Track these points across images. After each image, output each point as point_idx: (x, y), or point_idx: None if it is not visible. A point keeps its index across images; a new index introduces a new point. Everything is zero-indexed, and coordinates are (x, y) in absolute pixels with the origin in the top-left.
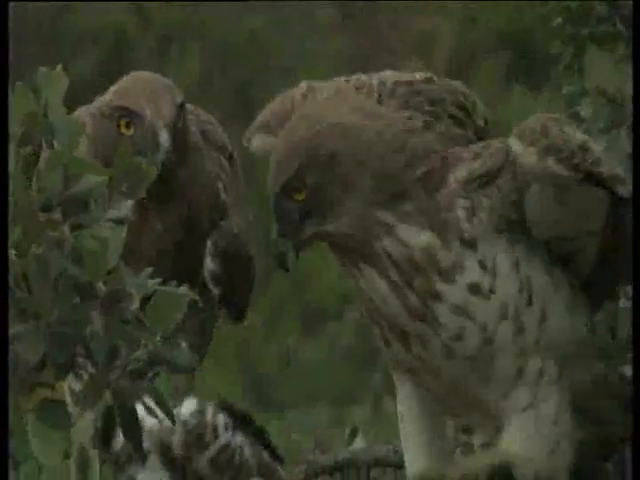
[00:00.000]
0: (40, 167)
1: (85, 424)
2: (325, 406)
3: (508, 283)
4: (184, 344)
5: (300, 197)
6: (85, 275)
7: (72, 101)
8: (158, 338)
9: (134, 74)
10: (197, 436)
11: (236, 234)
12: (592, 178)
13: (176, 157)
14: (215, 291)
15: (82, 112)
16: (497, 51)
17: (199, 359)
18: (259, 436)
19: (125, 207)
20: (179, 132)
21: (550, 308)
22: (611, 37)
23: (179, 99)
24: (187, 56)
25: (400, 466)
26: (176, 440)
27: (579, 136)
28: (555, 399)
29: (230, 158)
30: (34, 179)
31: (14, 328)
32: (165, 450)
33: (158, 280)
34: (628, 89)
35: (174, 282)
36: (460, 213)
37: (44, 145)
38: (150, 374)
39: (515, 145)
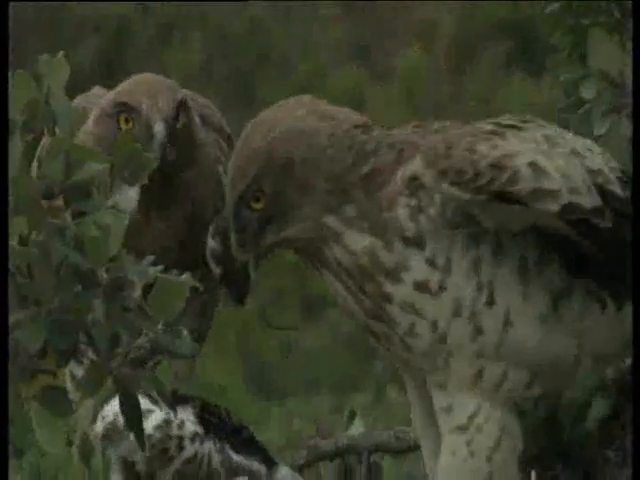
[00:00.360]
0: (41, 154)
1: (87, 411)
2: (326, 393)
3: (463, 281)
4: (185, 332)
5: (258, 206)
6: (87, 262)
7: (72, 89)
8: (160, 326)
9: (137, 76)
10: (161, 451)
11: None
12: (505, 197)
13: (176, 154)
14: (217, 270)
15: (81, 100)
16: (497, 39)
17: (199, 344)
18: (238, 433)
19: (131, 200)
20: (182, 131)
21: (517, 314)
22: (611, 26)
23: (179, 96)
24: (188, 45)
25: (400, 451)
26: (139, 456)
27: (498, 152)
28: (496, 428)
29: (228, 139)
30: (36, 166)
31: (15, 315)
32: (129, 467)
33: (160, 268)
34: (629, 73)
35: (175, 270)
36: (401, 212)
37: (46, 132)
38: (152, 362)
39: (416, 165)
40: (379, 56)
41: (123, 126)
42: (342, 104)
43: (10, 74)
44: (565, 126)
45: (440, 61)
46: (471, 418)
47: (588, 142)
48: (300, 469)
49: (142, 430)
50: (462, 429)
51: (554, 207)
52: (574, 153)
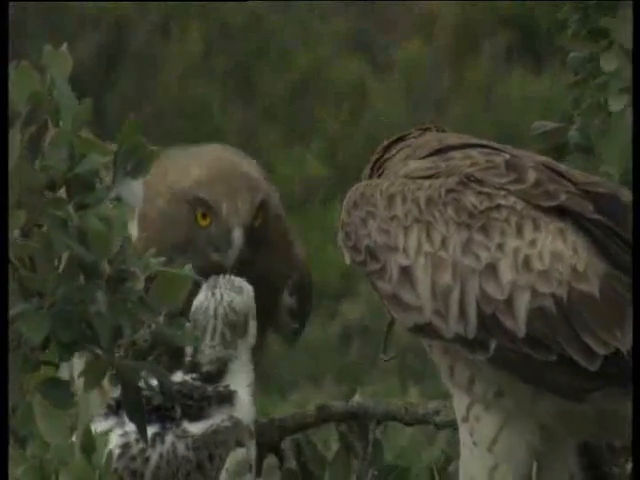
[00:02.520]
0: (45, 146)
1: (88, 403)
2: (331, 385)
3: None
4: (188, 323)
5: None
6: (90, 255)
7: (72, 83)
8: (162, 318)
9: (216, 160)
10: (131, 473)
11: (303, 262)
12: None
13: (251, 253)
14: (293, 325)
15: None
16: (498, 32)
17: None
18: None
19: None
20: (259, 229)
21: None
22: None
23: (259, 198)
24: (188, 37)
25: (409, 424)
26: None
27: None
28: (494, 419)
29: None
30: (39, 158)
31: (18, 307)
32: None
33: (162, 259)
34: None
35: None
36: None
37: (49, 124)
38: (154, 353)
39: None
40: (379, 48)
41: (200, 221)
42: (343, 96)
43: (11, 67)
44: (576, 103)
45: (440, 53)
46: (468, 409)
47: None
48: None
49: (144, 421)
50: (464, 420)
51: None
52: None
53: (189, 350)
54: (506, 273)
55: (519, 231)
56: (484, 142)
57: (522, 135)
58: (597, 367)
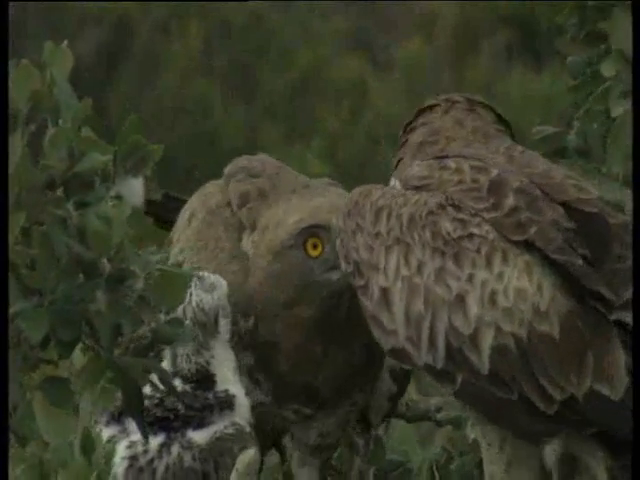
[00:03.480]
0: (44, 145)
1: (88, 403)
2: None
3: None
4: (188, 321)
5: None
6: (89, 253)
7: (72, 82)
8: (162, 316)
9: (318, 198)
10: None
11: None
12: None
13: None
14: (393, 388)
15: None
16: (498, 31)
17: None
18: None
19: (137, 193)
20: None
21: None
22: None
23: None
24: (189, 36)
25: (410, 421)
26: None
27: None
28: None
29: None
30: (39, 157)
31: (17, 305)
32: None
33: (164, 254)
34: None
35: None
36: None
37: (49, 123)
38: (154, 351)
39: None
40: (380, 48)
41: (312, 252)
42: (343, 95)
43: (11, 65)
44: (576, 107)
45: (440, 52)
46: None
47: None
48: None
49: (143, 419)
50: (476, 422)
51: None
52: None
53: (167, 359)
54: (473, 306)
55: (488, 263)
56: (496, 139)
57: (522, 134)
58: (554, 411)
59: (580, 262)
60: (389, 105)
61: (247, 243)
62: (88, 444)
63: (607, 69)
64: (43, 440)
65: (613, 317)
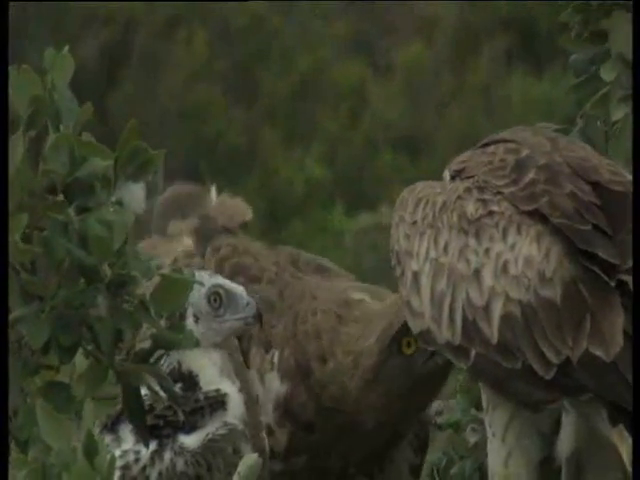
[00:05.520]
0: (45, 150)
1: (91, 407)
2: None
3: None
4: (189, 326)
5: None
6: (90, 259)
7: (74, 84)
8: (163, 322)
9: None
10: None
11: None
12: None
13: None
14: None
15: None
16: (498, 34)
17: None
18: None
19: (138, 198)
20: None
21: None
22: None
23: None
24: (193, 39)
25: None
26: None
27: None
28: (508, 407)
29: None
30: (39, 162)
31: (18, 310)
32: None
33: (164, 260)
34: None
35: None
36: None
37: (50, 128)
38: (155, 356)
39: None
40: (380, 51)
41: (406, 350)
42: (343, 98)
43: (12, 69)
44: (578, 106)
45: (441, 56)
46: (488, 400)
47: None
48: None
49: (145, 424)
50: (485, 412)
51: None
52: None
53: None
54: (488, 279)
55: (504, 236)
56: (547, 131)
57: None
58: (551, 376)
59: (586, 228)
60: (389, 109)
61: (260, 363)
62: (91, 448)
63: (607, 73)
64: (45, 445)
65: (616, 279)
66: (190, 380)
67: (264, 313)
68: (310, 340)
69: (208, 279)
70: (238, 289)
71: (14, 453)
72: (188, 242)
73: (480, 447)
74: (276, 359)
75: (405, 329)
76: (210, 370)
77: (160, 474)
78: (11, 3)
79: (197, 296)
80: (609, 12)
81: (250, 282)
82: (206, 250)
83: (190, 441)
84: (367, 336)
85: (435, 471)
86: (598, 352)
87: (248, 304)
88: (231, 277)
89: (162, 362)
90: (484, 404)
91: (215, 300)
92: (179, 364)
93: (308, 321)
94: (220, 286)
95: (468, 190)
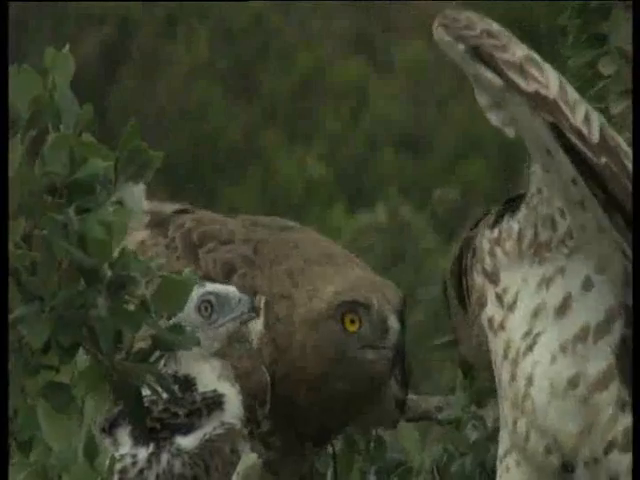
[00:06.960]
0: (45, 150)
1: (91, 408)
2: None
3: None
4: (189, 328)
5: None
6: (90, 259)
7: (75, 84)
8: (163, 323)
9: (353, 270)
10: None
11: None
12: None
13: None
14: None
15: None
16: None
17: None
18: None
19: (138, 199)
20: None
21: None
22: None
23: (400, 292)
24: (193, 38)
25: (411, 420)
26: None
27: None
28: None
29: None
30: (39, 162)
31: (18, 310)
32: None
33: (162, 261)
34: None
35: None
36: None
37: (50, 128)
38: (154, 356)
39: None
40: (381, 49)
41: (349, 327)
42: (344, 97)
43: (12, 69)
44: None
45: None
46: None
47: None
48: None
49: (145, 425)
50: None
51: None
52: None
53: None
54: None
55: None
56: None
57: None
58: None
59: None
60: (390, 107)
61: None
62: (92, 449)
63: (606, 67)
64: (46, 446)
65: None
66: (187, 383)
67: (246, 269)
68: (283, 280)
69: (196, 290)
70: (228, 289)
71: (15, 454)
72: (142, 235)
73: (481, 444)
74: (262, 304)
75: (354, 306)
76: (208, 374)
77: (158, 477)
78: (11, 3)
79: (187, 311)
80: (608, 12)
81: (222, 244)
82: (168, 232)
83: (187, 442)
84: (314, 296)
85: (435, 467)
86: None
87: (240, 300)
88: (201, 244)
89: (160, 367)
90: (499, 390)
91: (206, 309)
92: (176, 371)
93: (282, 264)
94: (209, 293)
95: None
